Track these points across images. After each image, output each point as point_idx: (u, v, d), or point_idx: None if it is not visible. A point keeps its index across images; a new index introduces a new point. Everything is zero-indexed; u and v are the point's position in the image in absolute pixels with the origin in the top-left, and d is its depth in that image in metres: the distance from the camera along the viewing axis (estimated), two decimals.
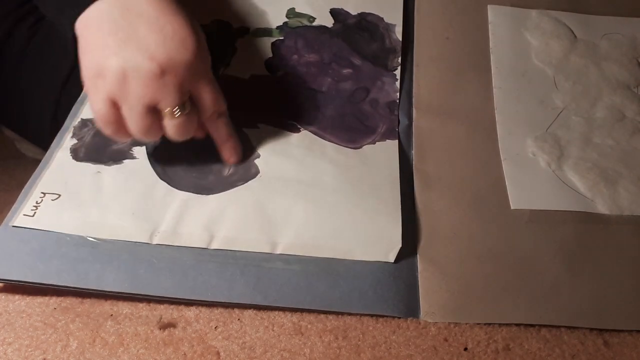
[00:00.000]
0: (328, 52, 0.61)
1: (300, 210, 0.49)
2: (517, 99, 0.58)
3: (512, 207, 0.51)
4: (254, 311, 0.45)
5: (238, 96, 0.57)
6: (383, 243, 0.48)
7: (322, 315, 0.45)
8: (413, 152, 0.54)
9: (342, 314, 0.45)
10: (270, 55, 0.61)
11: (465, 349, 0.43)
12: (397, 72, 0.60)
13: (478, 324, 0.45)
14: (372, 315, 0.45)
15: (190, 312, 0.45)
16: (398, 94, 0.59)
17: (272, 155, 0.53)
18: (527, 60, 0.61)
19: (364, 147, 0.55)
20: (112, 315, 0.44)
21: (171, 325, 0.43)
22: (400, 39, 0.62)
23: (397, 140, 0.55)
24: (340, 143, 0.55)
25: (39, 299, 0.46)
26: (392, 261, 0.47)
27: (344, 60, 0.61)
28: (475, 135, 0.55)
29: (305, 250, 0.47)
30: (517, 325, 0.45)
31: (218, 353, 0.42)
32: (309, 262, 0.47)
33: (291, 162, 0.53)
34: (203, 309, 0.45)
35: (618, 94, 0.59)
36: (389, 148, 0.55)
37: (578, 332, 0.44)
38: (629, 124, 0.57)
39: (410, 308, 0.45)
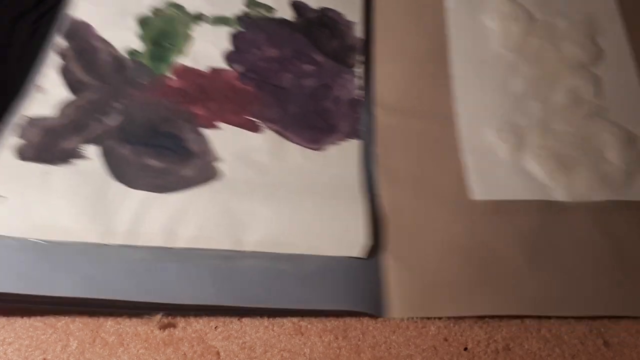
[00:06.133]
0: (289, 48, 0.60)
1: (265, 209, 0.48)
2: (476, 87, 0.58)
3: (473, 199, 0.51)
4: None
5: (197, 90, 0.56)
6: (348, 239, 0.47)
7: (322, 315, 0.45)
8: (376, 149, 0.54)
9: (314, 311, 0.44)
10: (230, 47, 0.59)
11: (465, 349, 0.43)
12: (359, 70, 0.59)
13: (477, 323, 0.45)
14: (349, 313, 0.45)
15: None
16: (359, 91, 0.58)
17: (235, 160, 0.52)
18: (486, 46, 0.61)
19: (327, 148, 0.54)
20: (112, 315, 0.44)
21: (171, 325, 0.43)
22: (361, 36, 0.61)
23: (359, 140, 0.54)
24: (303, 144, 0.54)
25: None
26: (358, 256, 0.47)
27: (305, 56, 0.59)
28: (436, 128, 0.55)
29: (272, 247, 0.46)
30: (517, 325, 0.45)
31: (218, 353, 0.42)
32: (277, 259, 0.46)
33: (254, 166, 0.51)
34: None
35: (576, 75, 0.58)
36: (352, 147, 0.54)
37: (578, 332, 0.44)
38: (585, 107, 0.56)
39: (377, 304, 0.45)
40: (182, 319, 0.44)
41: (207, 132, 0.53)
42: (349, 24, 0.62)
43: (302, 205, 0.49)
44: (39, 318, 0.44)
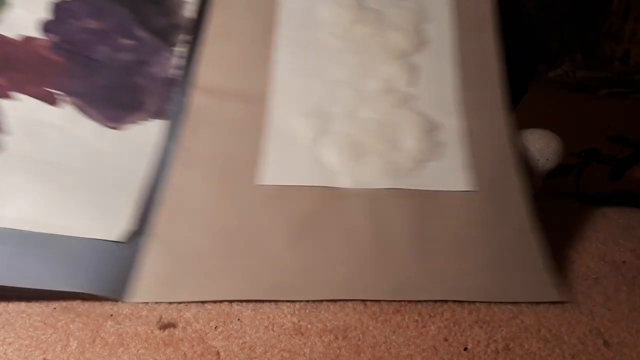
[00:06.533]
0: (112, 20, 0.58)
1: (32, 187, 0.47)
2: (296, 73, 0.58)
3: (259, 183, 0.51)
4: (254, 311, 0.45)
5: (0, 58, 0.54)
6: (109, 222, 0.47)
7: (322, 316, 0.45)
8: (183, 130, 0.53)
9: (57, 292, 0.44)
10: (50, 16, 0.58)
11: (465, 349, 0.43)
12: (181, 49, 0.58)
13: (477, 323, 0.45)
14: (90, 297, 0.44)
15: (190, 312, 0.45)
16: (177, 71, 0.57)
17: (23, 135, 0.50)
18: (314, 32, 0.60)
19: (128, 127, 0.53)
20: (112, 315, 0.44)
21: (171, 325, 0.43)
22: (191, 16, 0.60)
23: (164, 120, 0.53)
24: (102, 121, 0.52)
25: None
26: (117, 240, 0.46)
27: (126, 30, 0.58)
28: (248, 112, 0.55)
29: (27, 225, 0.46)
30: (517, 325, 0.45)
31: (218, 353, 0.42)
32: (28, 237, 0.45)
33: (41, 142, 0.50)
34: (203, 309, 0.45)
35: (393, 63, 0.58)
36: (154, 128, 0.53)
37: (578, 332, 0.44)
38: (395, 96, 0.57)
39: (120, 288, 0.45)
40: (182, 319, 0.44)
41: (1, 103, 0.52)
42: (180, 3, 0.61)
43: (72, 186, 0.48)
44: (39, 318, 0.44)
